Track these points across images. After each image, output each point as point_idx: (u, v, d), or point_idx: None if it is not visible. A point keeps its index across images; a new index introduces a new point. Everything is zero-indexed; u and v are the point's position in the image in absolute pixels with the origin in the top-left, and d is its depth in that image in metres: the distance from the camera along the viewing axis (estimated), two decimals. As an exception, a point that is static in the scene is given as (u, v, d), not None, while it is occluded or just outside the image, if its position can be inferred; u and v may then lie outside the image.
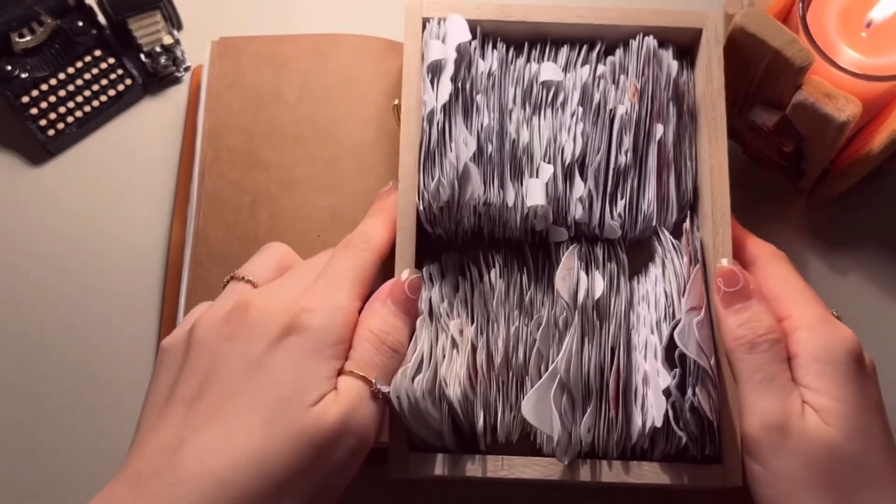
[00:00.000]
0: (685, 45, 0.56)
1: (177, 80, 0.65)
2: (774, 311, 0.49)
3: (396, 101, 0.53)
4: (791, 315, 0.49)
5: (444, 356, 0.48)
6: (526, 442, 0.49)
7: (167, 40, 0.63)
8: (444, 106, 0.50)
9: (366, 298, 0.48)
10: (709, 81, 0.54)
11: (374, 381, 0.45)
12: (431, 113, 0.50)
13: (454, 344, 0.49)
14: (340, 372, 0.45)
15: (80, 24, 0.62)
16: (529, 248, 0.53)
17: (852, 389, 0.47)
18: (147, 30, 0.63)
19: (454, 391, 0.47)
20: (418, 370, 0.47)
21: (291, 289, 0.47)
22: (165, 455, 0.42)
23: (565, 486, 0.49)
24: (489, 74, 0.53)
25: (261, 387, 0.43)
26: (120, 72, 0.63)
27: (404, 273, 0.49)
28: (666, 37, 0.55)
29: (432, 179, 0.49)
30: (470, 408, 0.48)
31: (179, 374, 0.45)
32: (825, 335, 0.48)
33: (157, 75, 0.64)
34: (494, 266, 0.51)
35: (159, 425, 0.43)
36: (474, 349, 0.49)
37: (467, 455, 0.48)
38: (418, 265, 0.50)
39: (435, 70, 0.52)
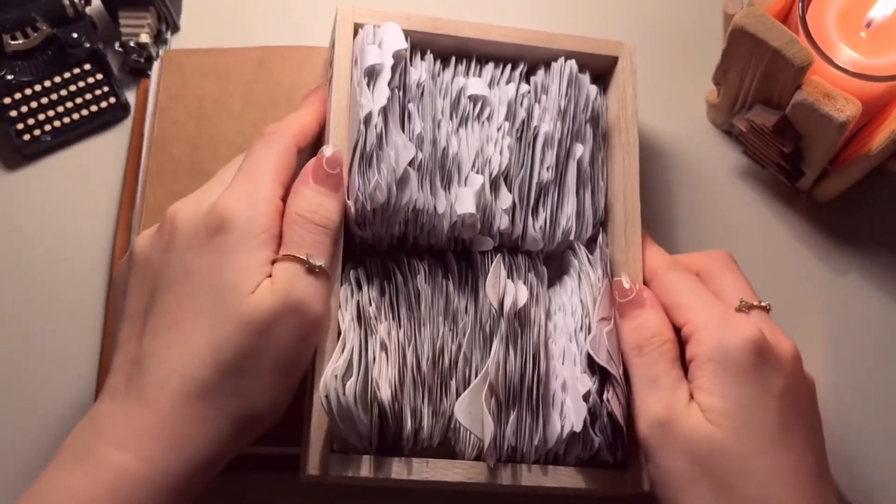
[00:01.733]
0: (600, 72, 0.58)
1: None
2: (676, 318, 0.51)
3: None
4: (689, 319, 0.50)
5: (374, 359, 0.48)
6: (445, 447, 0.50)
7: (143, 38, 0.63)
8: (381, 109, 0.50)
9: (289, 184, 0.50)
10: (623, 107, 0.57)
11: (305, 257, 0.47)
12: (369, 115, 0.50)
13: (384, 347, 0.49)
14: (275, 261, 0.47)
15: (75, 35, 0.62)
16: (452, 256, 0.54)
17: (744, 386, 0.47)
18: (132, 22, 0.63)
19: (385, 394, 0.48)
20: (348, 371, 0.47)
21: (216, 191, 0.49)
22: (134, 366, 0.46)
23: (478, 492, 0.50)
24: (419, 84, 0.54)
25: (200, 288, 0.46)
26: (105, 89, 0.63)
27: (326, 150, 0.50)
28: (583, 62, 0.57)
29: (369, 181, 0.49)
30: (399, 411, 0.48)
31: (130, 293, 0.48)
32: (720, 334, 0.49)
33: (126, 68, 0.64)
34: (420, 272, 0.52)
35: (125, 343, 0.47)
36: (403, 353, 0.49)
37: (391, 457, 0.49)
38: (343, 268, 0.51)
39: (371, 74, 0.52)
